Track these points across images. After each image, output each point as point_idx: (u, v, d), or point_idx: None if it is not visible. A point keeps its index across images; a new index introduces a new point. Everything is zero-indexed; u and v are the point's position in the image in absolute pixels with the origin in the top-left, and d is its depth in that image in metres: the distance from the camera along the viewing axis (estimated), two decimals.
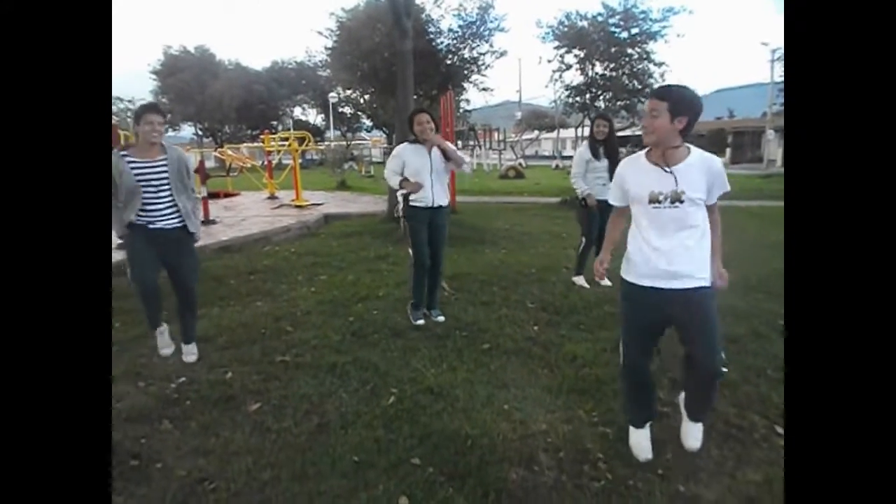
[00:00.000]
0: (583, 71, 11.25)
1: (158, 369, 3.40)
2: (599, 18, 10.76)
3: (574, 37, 11.00)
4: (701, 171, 2.20)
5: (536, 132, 41.08)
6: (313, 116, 42.49)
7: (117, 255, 4.30)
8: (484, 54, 12.34)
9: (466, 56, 12.04)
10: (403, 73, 7.62)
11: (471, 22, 11.53)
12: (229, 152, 15.17)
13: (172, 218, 3.22)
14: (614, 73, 10.98)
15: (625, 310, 2.43)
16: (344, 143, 32.65)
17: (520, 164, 24.57)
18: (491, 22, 11.61)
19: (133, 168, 3.07)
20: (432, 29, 12.35)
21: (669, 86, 2.27)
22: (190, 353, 3.52)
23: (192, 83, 34.95)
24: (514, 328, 4.01)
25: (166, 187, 3.16)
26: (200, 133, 41.19)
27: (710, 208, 2.28)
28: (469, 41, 12.19)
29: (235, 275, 5.72)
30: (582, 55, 10.99)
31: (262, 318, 4.30)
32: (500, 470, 2.35)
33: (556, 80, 11.85)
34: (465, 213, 10.26)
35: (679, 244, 2.22)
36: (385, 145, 33.19)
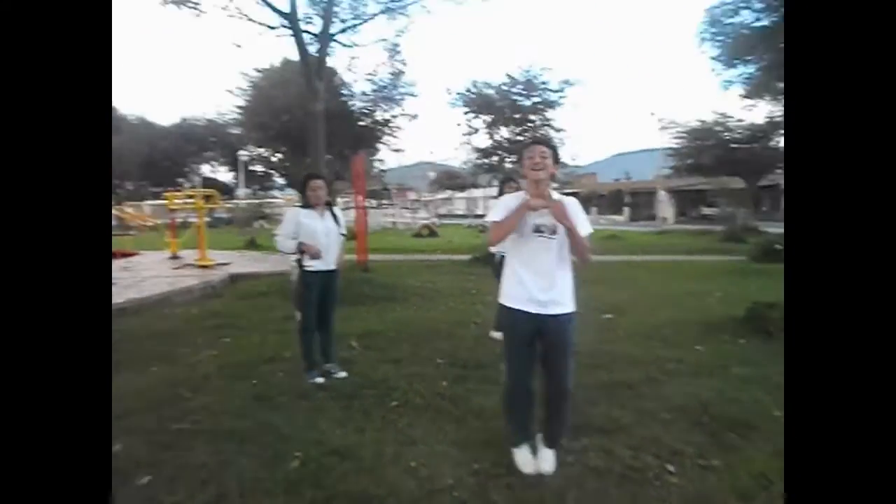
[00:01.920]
0: (490, 135, 12.00)
1: None
2: (504, 87, 11.63)
3: (481, 103, 11.76)
4: (565, 209, 2.58)
5: (449, 192, 42.42)
6: (223, 174, 41.44)
7: None
8: (396, 117, 12.79)
9: (378, 118, 12.41)
10: (315, 133, 7.73)
11: (382, 86, 11.98)
12: (129, 210, 14.40)
13: None
14: (519, 137, 11.77)
15: (507, 332, 2.81)
16: (255, 201, 31.92)
17: (433, 223, 25.13)
18: (402, 87, 12.14)
19: None
20: (346, 91, 12.69)
21: (549, 140, 3.01)
22: None
23: None
24: (424, 384, 4.03)
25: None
26: None
27: (584, 241, 2.66)
28: (381, 104, 12.61)
29: (130, 339, 5.36)
30: (489, 120, 11.74)
31: (158, 385, 4.05)
32: None
33: (466, 143, 12.57)
34: (378, 271, 10.27)
35: (551, 272, 2.62)
36: (298, 204, 32.69)
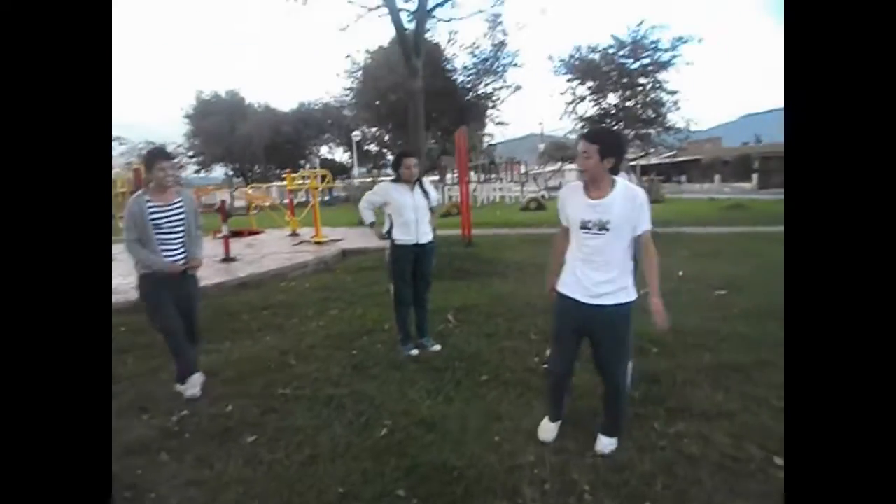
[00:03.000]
0: (596, 102, 11.38)
1: (163, 403, 3.50)
2: (610, 50, 10.93)
3: (585, 69, 11.16)
4: (624, 201, 2.48)
5: (559, 163, 41.31)
6: (339, 154, 43.56)
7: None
8: (499, 89, 12.58)
9: (481, 92, 12.28)
10: (415, 111, 7.84)
11: (484, 59, 11.81)
12: (250, 192, 15.65)
13: (181, 256, 3.37)
14: (629, 103, 11.07)
15: (555, 319, 2.77)
16: (368, 179, 33.29)
17: (542, 196, 24.63)
18: (504, 58, 11.88)
19: (151, 210, 3.24)
20: (448, 67, 12.69)
21: (598, 131, 2.80)
22: (190, 389, 3.60)
23: (222, 126, 36.27)
24: (516, 359, 4.00)
25: (180, 228, 3.33)
26: (231, 173, 42.48)
27: (641, 240, 2.54)
28: (484, 77, 12.45)
29: (249, 310, 5.86)
30: (595, 86, 11.12)
31: (269, 352, 4.39)
32: (483, 502, 2.35)
33: (570, 112, 12.04)
34: (481, 245, 10.30)
35: (601, 266, 2.54)
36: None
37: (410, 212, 4.07)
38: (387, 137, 23.91)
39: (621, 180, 2.53)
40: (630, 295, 2.57)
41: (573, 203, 2.61)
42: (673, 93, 11.44)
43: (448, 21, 9.17)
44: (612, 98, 11.24)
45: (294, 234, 12.71)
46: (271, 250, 10.31)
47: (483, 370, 3.82)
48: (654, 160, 27.67)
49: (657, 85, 11.01)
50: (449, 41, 11.79)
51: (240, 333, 5.04)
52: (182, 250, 3.37)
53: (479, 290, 6.36)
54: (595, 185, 2.52)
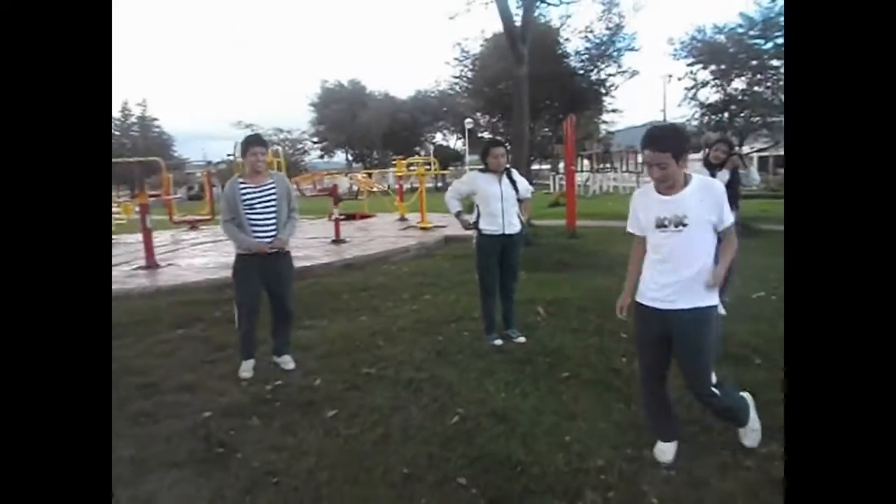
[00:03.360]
0: (721, 87, 10.40)
1: (261, 372, 3.80)
2: (740, 30, 9.90)
3: (708, 51, 10.21)
4: (702, 196, 2.36)
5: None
6: (453, 142, 44.17)
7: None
8: (613, 75, 12.01)
9: (594, 78, 11.81)
10: (519, 98, 7.73)
11: (598, 43, 11.32)
12: (359, 177, 16.38)
13: (273, 236, 3.62)
14: (757, 88, 10.01)
15: (636, 328, 2.67)
16: (480, 166, 33.46)
17: None
18: (620, 41, 11.30)
19: (244, 193, 3.53)
20: (562, 51, 12.33)
21: (664, 135, 2.37)
22: (286, 362, 3.88)
23: (344, 113, 38.28)
24: (600, 358, 3.86)
25: (272, 210, 3.59)
26: (351, 158, 44.75)
27: (724, 234, 2.43)
28: (598, 63, 11.95)
29: (350, 290, 6.17)
30: (720, 70, 10.15)
31: (361, 332, 4.61)
32: (541, 500, 2.31)
33: (690, 98, 11.10)
34: (586, 237, 9.99)
35: (679, 266, 2.39)
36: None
37: (497, 202, 4.05)
38: (501, 126, 23.78)
39: (696, 175, 2.42)
40: (711, 298, 2.40)
41: (645, 204, 2.49)
42: None
43: (558, 5, 8.88)
44: (738, 83, 10.24)
45: (402, 219, 13.17)
46: (379, 234, 10.76)
47: (565, 366, 3.73)
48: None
49: None
50: (561, 25, 11.43)
51: (338, 312, 5.33)
52: (274, 231, 3.62)
53: (575, 284, 6.19)
54: (669, 184, 2.38)
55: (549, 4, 8.95)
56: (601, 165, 27.85)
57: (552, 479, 2.44)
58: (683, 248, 2.37)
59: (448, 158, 33.97)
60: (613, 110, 12.84)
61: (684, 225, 2.35)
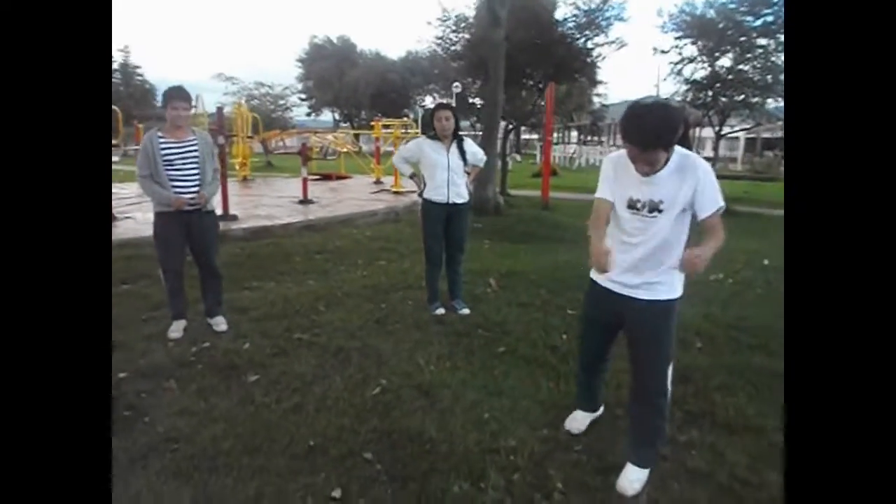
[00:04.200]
0: (710, 64, 10.12)
1: (192, 333, 3.67)
2: (731, 6, 9.56)
3: (697, 26, 9.90)
4: (682, 176, 2.00)
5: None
6: None
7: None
8: (600, 45, 11.70)
9: (580, 46, 11.50)
10: (495, 63, 7.46)
11: (586, 10, 10.97)
12: (330, 137, 16.03)
13: (195, 195, 3.44)
14: (742, 67, 9.75)
15: (585, 306, 2.48)
16: (469, 133, 32.99)
17: None
18: (609, 10, 10.96)
19: (163, 148, 3.33)
20: (550, 19, 11.97)
21: (654, 130, 1.88)
22: (218, 324, 3.76)
23: (332, 71, 37.29)
24: (541, 334, 3.77)
25: (193, 166, 3.39)
26: (338, 118, 43.85)
27: (707, 224, 2.02)
28: (585, 31, 11.63)
29: (304, 253, 6.02)
30: (709, 46, 9.85)
31: (304, 296, 4.48)
32: (444, 480, 2.23)
33: (676, 73, 10.82)
34: (560, 210, 9.91)
35: (647, 255, 2.12)
36: (511, 137, 33.38)
37: (444, 171, 3.89)
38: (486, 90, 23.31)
39: (677, 149, 2.01)
40: (676, 290, 2.16)
41: (620, 177, 2.11)
42: None
43: None
44: (725, 60, 9.96)
45: (377, 182, 12.92)
46: (350, 196, 10.55)
47: (503, 341, 3.65)
48: (779, 134, 24.84)
49: (780, 48, 9.55)
50: None
51: (286, 275, 5.19)
52: (196, 190, 3.43)
53: (534, 256, 6.10)
54: (649, 165, 1.99)
55: None
56: (589, 138, 27.62)
57: (459, 458, 2.36)
58: (655, 237, 2.07)
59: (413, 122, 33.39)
60: (599, 82, 12.55)
61: (659, 211, 2.03)
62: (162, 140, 3.36)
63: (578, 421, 2.61)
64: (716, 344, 3.70)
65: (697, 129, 11.85)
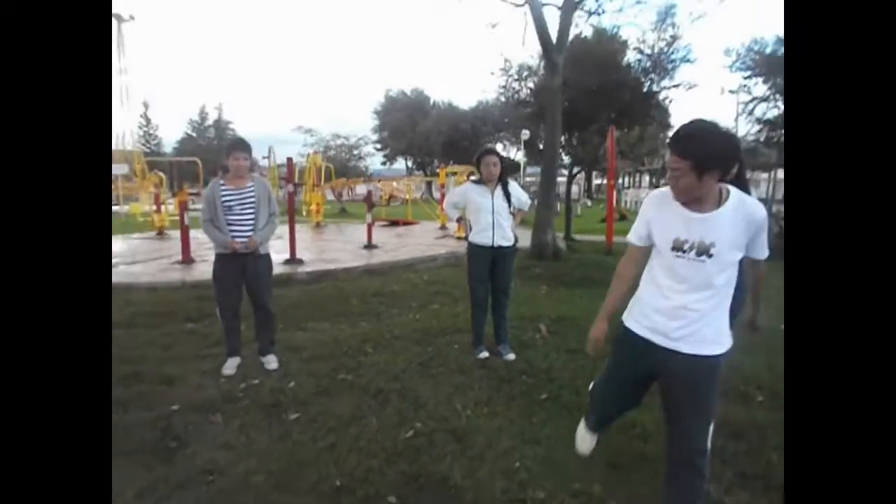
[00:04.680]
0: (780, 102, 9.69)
1: (245, 370, 3.84)
2: None
3: (765, 64, 9.53)
4: (737, 220, 1.86)
5: (750, 172, 36.78)
6: (514, 153, 43.86)
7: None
8: (667, 88, 11.56)
9: (645, 90, 11.40)
10: (552, 109, 7.54)
11: (650, 55, 10.91)
12: (394, 185, 16.55)
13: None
14: None
15: (614, 356, 2.28)
16: (532, 178, 33.03)
17: None
18: (675, 53, 10.84)
19: (224, 194, 3.59)
20: (612, 62, 11.99)
21: (691, 137, 1.81)
22: (269, 362, 3.91)
23: (405, 121, 38.85)
24: (586, 381, 3.61)
25: (250, 212, 3.63)
26: (412, 165, 45.29)
27: (752, 264, 2.01)
28: (651, 74, 11.54)
29: (361, 296, 6.18)
30: (779, 84, 9.44)
31: (354, 338, 4.58)
32: None
33: (748, 113, 10.42)
34: (621, 254, 9.59)
35: (694, 302, 1.93)
36: (583, 182, 33.18)
37: (488, 214, 3.94)
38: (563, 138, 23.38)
39: (735, 190, 1.89)
40: (724, 345, 1.98)
41: (664, 214, 1.97)
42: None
43: (601, 14, 8.61)
44: None
45: (443, 228, 13.14)
46: (415, 241, 10.78)
47: (546, 388, 3.55)
48: None
49: None
50: (613, 35, 11.09)
51: (342, 317, 5.34)
52: (251, 232, 3.65)
53: (589, 302, 5.92)
54: (696, 199, 1.88)
55: (590, 14, 8.71)
56: (663, 182, 26.87)
57: None
58: (704, 282, 1.90)
59: (507, 169, 33.72)
60: (670, 125, 12.31)
61: (710, 256, 1.86)
62: (223, 188, 3.64)
63: (586, 441, 2.54)
64: (778, 398, 3.41)
65: (774, 171, 11.26)
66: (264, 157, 15.18)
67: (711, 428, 2.06)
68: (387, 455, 2.72)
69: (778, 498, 2.40)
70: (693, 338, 1.95)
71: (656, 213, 2.01)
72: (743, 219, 1.85)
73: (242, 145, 3.67)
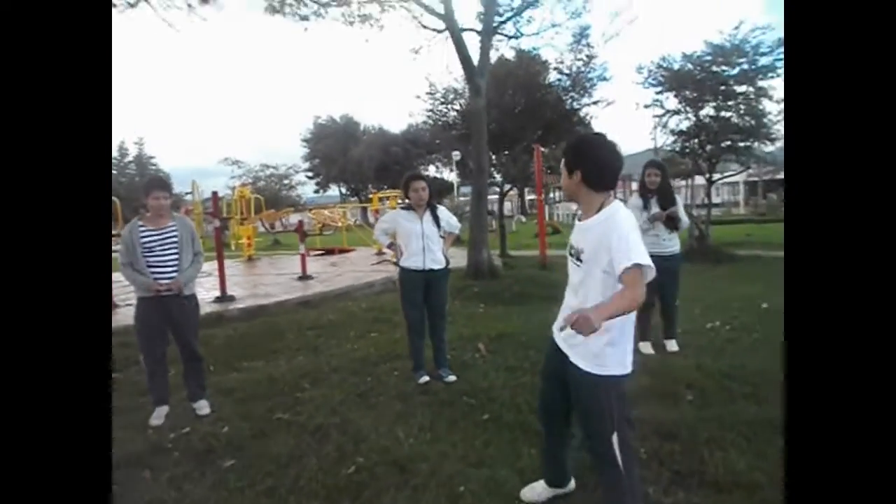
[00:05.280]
0: (693, 114, 10.35)
1: (176, 419, 3.64)
2: (706, 58, 9.89)
3: (674, 79, 10.23)
4: (604, 230, 1.97)
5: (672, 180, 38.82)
6: (447, 174, 44.38)
7: None
8: (587, 105, 12.09)
9: (567, 108, 11.88)
10: (478, 130, 7.71)
11: (568, 74, 11.42)
12: (325, 213, 16.43)
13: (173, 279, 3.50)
14: (725, 114, 9.98)
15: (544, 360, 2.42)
16: (465, 198, 33.52)
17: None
18: (590, 71, 11.40)
19: (143, 236, 3.43)
20: (535, 83, 12.44)
21: (569, 142, 2.18)
22: (201, 408, 3.73)
23: (336, 148, 38.63)
24: (527, 398, 3.68)
25: (172, 252, 3.48)
26: (346, 192, 44.94)
27: (622, 279, 1.90)
28: (571, 93, 12.05)
29: (297, 329, 6.02)
30: (687, 98, 10.13)
31: (290, 374, 4.44)
32: None
33: (662, 126, 11.08)
34: (558, 268, 9.84)
35: (578, 307, 1.97)
36: (517, 199, 33.96)
37: (418, 239, 3.97)
38: (493, 158, 23.89)
39: (616, 203, 2.03)
40: (608, 367, 2.00)
41: (576, 224, 2.18)
42: (782, 101, 10.06)
43: (518, 38, 8.98)
44: (709, 109, 10.18)
45: (379, 254, 13.05)
46: (350, 269, 10.65)
47: (487, 408, 3.56)
48: (780, 176, 25.00)
49: (760, 93, 9.77)
50: (533, 56, 11.57)
51: (277, 353, 5.18)
52: (175, 275, 3.50)
53: (527, 317, 6.03)
54: (583, 207, 2.09)
55: (509, 38, 9.05)
56: None
57: None
58: (583, 290, 2.04)
59: (441, 191, 34.07)
60: None
61: (580, 261, 2.04)
62: (142, 228, 3.48)
63: (536, 492, 2.46)
64: (706, 395, 3.59)
65: (691, 178, 11.97)
66: (188, 193, 14.63)
67: (614, 438, 2.01)
68: (328, 493, 2.65)
69: (713, 492, 2.50)
70: (579, 348, 2.04)
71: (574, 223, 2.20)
72: (607, 228, 1.95)
73: (161, 184, 3.53)
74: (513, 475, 2.74)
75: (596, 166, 2.01)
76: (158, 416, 3.62)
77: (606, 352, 1.99)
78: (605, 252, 1.93)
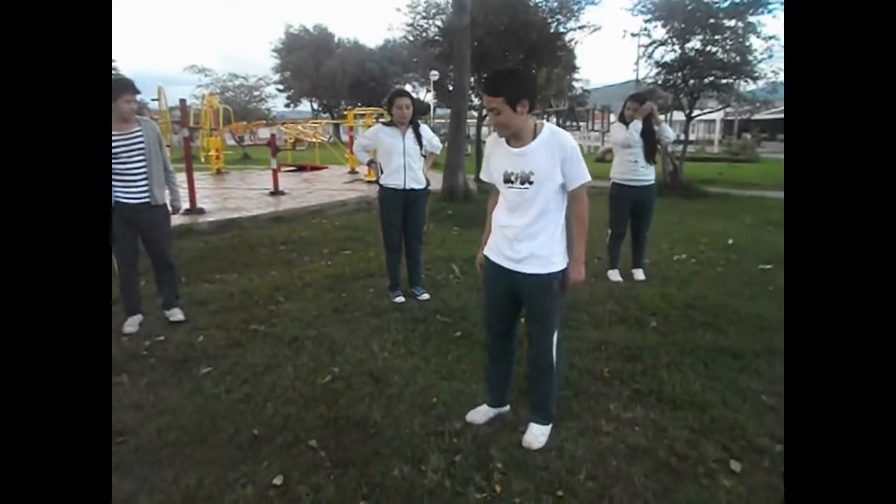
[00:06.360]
0: (679, 46, 10.12)
1: (149, 327, 3.64)
2: None
3: (665, 8, 9.90)
4: (550, 150, 2.15)
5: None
6: (423, 94, 43.05)
7: None
8: (573, 30, 11.69)
9: (552, 31, 11.47)
10: (461, 49, 7.43)
11: None
12: (299, 128, 15.90)
13: (143, 187, 3.40)
14: (711, 48, 9.79)
15: (484, 282, 2.52)
16: (442, 120, 32.81)
17: None
18: None
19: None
20: (519, 2, 11.90)
21: (498, 78, 2.17)
22: (174, 314, 3.73)
23: (308, 61, 36.79)
24: None
25: (139, 159, 3.34)
26: (318, 108, 43.37)
27: (572, 196, 2.23)
28: (558, 15, 11.60)
29: (269, 244, 5.98)
30: (675, 29, 9.85)
31: (265, 287, 4.46)
32: (386, 464, 2.25)
33: (648, 56, 10.81)
34: None
35: (525, 227, 2.22)
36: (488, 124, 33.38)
37: (399, 156, 3.89)
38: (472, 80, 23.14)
39: (548, 125, 2.22)
40: (555, 264, 2.26)
41: (497, 154, 2.29)
42: (769, 38, 9.87)
43: None
44: (695, 43, 9.95)
45: (352, 172, 12.84)
46: (323, 186, 10.48)
47: (460, 326, 3.67)
48: (762, 115, 24.94)
49: (749, 28, 9.56)
50: None
51: (250, 267, 5.16)
52: (145, 182, 3.39)
53: None
54: (521, 134, 2.19)
55: None
56: (568, 123, 27.67)
57: (403, 442, 2.39)
58: (531, 209, 2.21)
59: (417, 111, 33.18)
60: (575, 67, 12.54)
61: (530, 183, 2.17)
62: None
63: (480, 414, 2.57)
64: (669, 322, 3.75)
65: (670, 112, 11.87)
66: (153, 99, 13.84)
67: (556, 336, 2.36)
68: (304, 401, 2.73)
69: (668, 409, 2.68)
70: (531, 259, 2.24)
71: (490, 152, 2.33)
72: (553, 148, 2.14)
73: (131, 86, 3.32)
74: (482, 389, 2.86)
75: (533, 93, 2.15)
76: (132, 324, 3.62)
77: (555, 250, 2.25)
78: (558, 168, 2.14)
